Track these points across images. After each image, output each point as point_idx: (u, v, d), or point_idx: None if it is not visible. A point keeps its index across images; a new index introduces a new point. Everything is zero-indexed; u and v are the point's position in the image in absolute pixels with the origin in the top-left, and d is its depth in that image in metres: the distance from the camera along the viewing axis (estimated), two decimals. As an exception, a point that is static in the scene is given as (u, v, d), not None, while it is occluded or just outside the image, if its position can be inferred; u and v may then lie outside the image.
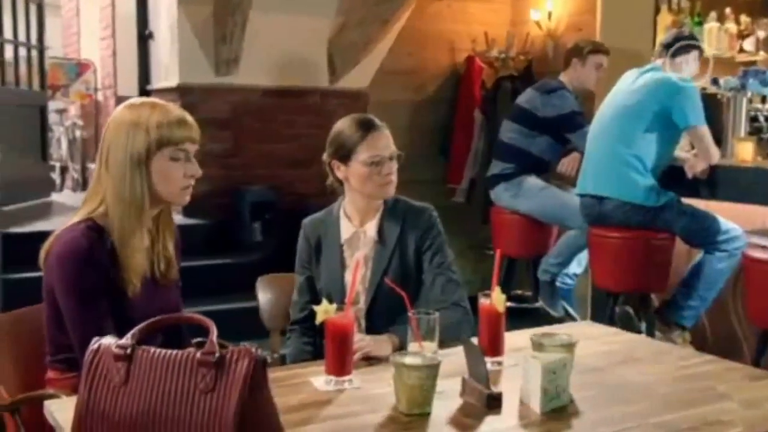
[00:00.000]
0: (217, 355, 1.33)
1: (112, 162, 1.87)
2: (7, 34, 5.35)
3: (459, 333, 2.08)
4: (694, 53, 3.71)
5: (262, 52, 5.09)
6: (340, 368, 1.83)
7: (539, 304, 4.59)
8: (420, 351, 1.78)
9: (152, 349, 1.36)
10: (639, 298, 3.80)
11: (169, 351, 1.36)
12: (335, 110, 5.32)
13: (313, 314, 1.88)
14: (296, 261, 2.41)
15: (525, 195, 4.43)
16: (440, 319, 2.11)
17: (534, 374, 1.69)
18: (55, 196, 6.17)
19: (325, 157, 2.34)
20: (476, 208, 5.69)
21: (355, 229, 2.33)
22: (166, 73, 5.23)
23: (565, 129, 4.37)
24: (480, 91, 5.73)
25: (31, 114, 5.71)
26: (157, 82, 5.42)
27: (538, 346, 1.82)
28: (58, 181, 7.39)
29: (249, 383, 1.31)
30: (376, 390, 1.79)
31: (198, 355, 1.33)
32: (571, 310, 4.58)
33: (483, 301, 2.00)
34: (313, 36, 5.27)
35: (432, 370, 1.66)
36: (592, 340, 2.23)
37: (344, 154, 2.28)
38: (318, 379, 1.85)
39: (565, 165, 4.47)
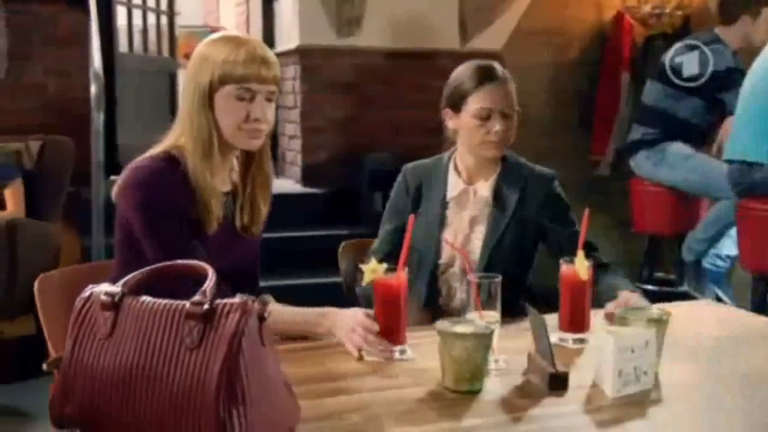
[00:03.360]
0: (206, 307, 1.21)
1: (185, 96, 1.85)
2: (136, -1, 5.51)
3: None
4: None
5: (387, 12, 4.97)
6: (389, 336, 1.68)
7: (685, 288, 4.24)
8: (477, 319, 1.59)
9: (143, 299, 1.27)
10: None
11: (161, 301, 1.25)
12: (466, 74, 5.14)
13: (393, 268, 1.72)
14: (387, 208, 2.29)
15: (668, 163, 4.08)
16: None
17: (607, 352, 1.47)
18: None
19: (441, 106, 2.24)
20: (622, 182, 5.33)
21: (465, 186, 2.19)
22: (288, 35, 5.21)
23: (719, 89, 3.97)
24: (629, 51, 5.36)
25: (161, 81, 5.86)
26: (280, 44, 5.42)
27: (621, 320, 1.59)
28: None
29: (238, 340, 1.19)
30: (431, 363, 1.62)
31: (187, 305, 1.22)
32: (723, 296, 4.19)
33: (565, 268, 1.79)
34: (441, -7, 5.11)
35: (482, 341, 1.48)
36: (708, 321, 1.98)
37: (455, 103, 2.17)
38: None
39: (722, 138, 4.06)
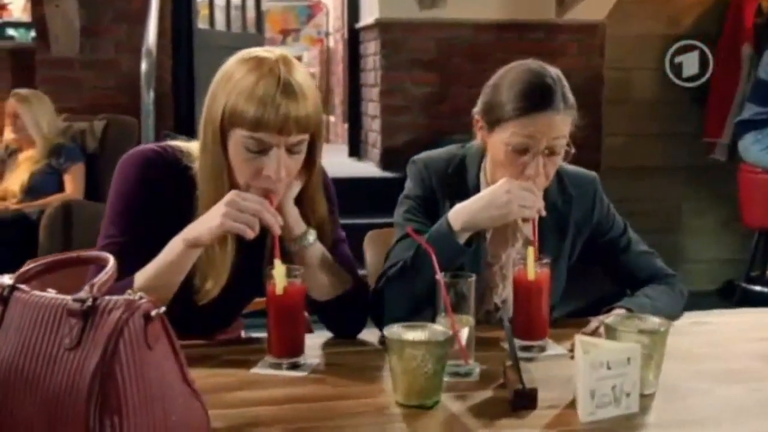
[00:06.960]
0: (88, 303, 1.15)
1: (202, 117, 1.63)
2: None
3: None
4: None
5: (474, -20, 4.82)
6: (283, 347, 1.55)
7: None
8: (438, 325, 1.46)
9: (33, 293, 1.22)
10: None
11: (49, 295, 1.20)
12: (564, 48, 4.93)
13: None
14: (407, 203, 1.93)
15: (780, 148, 3.77)
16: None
17: (579, 369, 1.32)
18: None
19: (475, 108, 1.85)
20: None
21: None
22: (369, 8, 5.13)
23: None
24: (754, 19, 4.97)
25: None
26: (363, 19, 5.35)
27: (610, 332, 1.42)
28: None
29: (114, 342, 1.11)
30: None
31: (69, 301, 1.16)
32: None
33: (517, 268, 1.67)
34: (535, -42, 4.90)
35: (434, 350, 1.35)
36: (745, 333, 1.77)
37: (491, 119, 1.79)
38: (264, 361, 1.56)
39: None
